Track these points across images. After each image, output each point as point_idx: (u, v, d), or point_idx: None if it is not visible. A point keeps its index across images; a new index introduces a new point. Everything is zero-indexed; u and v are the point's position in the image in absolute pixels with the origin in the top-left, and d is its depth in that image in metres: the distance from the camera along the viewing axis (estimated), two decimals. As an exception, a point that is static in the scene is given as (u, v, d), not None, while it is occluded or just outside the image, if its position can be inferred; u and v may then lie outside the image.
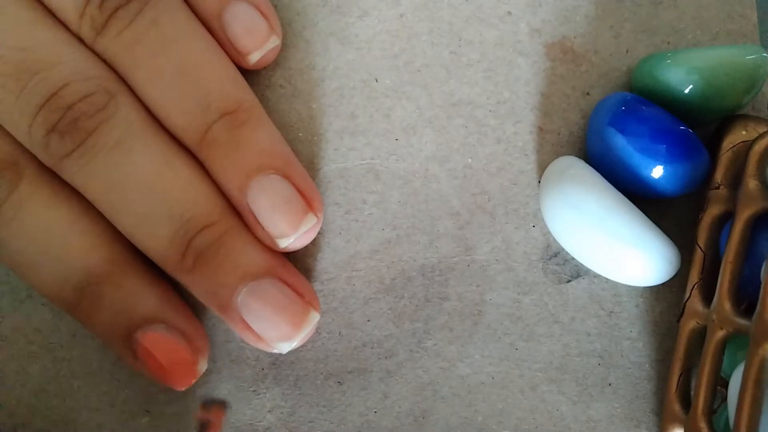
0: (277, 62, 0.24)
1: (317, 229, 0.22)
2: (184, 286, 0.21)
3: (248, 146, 0.21)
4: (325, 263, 0.23)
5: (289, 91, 0.24)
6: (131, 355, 0.21)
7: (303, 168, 0.22)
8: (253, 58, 0.22)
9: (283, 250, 0.22)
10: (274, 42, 0.22)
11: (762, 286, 0.18)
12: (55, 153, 0.20)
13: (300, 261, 0.23)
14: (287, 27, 0.24)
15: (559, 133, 0.24)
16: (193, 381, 0.21)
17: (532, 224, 0.23)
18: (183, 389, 0.21)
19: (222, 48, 0.22)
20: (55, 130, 0.20)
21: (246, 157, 0.21)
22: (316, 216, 0.21)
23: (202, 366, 0.22)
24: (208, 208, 0.21)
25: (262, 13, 0.22)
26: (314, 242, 0.23)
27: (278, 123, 0.23)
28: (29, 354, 0.23)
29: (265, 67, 0.23)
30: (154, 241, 0.20)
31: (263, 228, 0.21)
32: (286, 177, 0.21)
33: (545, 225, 0.23)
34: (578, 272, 0.23)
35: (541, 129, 0.24)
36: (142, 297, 0.21)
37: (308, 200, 0.21)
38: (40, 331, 0.23)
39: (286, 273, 0.21)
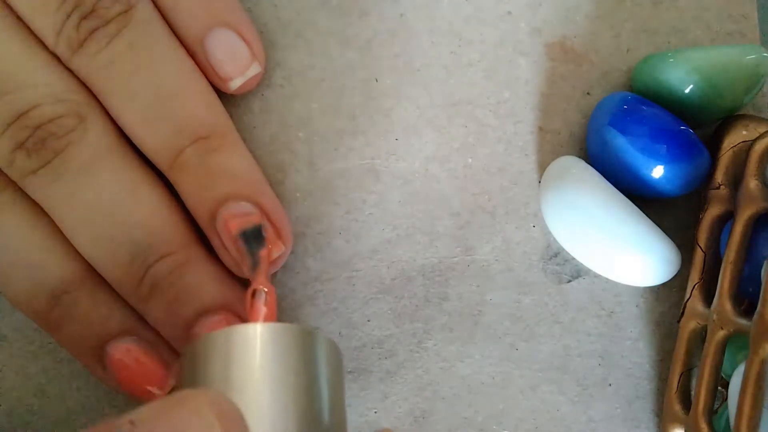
0: (277, 62, 0.24)
1: (285, 259, 0.22)
2: (140, 313, 0.21)
3: (219, 173, 0.21)
4: (325, 263, 0.23)
5: (289, 90, 0.23)
6: (101, 367, 0.21)
7: (274, 195, 0.22)
8: (234, 84, 0.22)
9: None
10: (256, 69, 0.22)
11: (762, 286, 0.18)
12: (20, 169, 0.20)
13: (300, 261, 0.23)
14: (287, 27, 0.24)
15: (559, 133, 0.24)
16: (164, 394, 0.21)
17: (532, 224, 0.23)
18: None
19: (203, 73, 0.22)
20: (22, 148, 0.20)
21: (216, 183, 0.21)
22: (284, 246, 0.21)
23: (172, 380, 0.22)
24: (169, 236, 0.21)
25: (245, 40, 0.22)
26: (314, 242, 0.23)
27: (278, 123, 0.23)
28: (29, 354, 0.23)
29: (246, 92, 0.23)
30: (112, 265, 0.20)
31: (230, 255, 0.21)
32: (257, 205, 0.21)
33: (545, 225, 0.23)
34: (578, 272, 0.23)
35: (541, 129, 0.24)
36: (115, 309, 0.21)
37: (277, 230, 0.21)
38: (40, 331, 0.23)
39: (243, 309, 0.21)
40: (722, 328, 0.20)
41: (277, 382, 0.16)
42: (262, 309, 0.19)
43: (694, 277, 0.22)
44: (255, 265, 0.19)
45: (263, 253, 0.20)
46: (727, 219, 0.22)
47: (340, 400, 0.18)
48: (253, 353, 0.17)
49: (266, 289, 0.19)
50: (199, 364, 0.17)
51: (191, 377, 0.17)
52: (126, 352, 0.21)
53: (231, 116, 0.23)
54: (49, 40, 0.20)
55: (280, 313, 0.23)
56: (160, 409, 0.13)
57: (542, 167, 0.23)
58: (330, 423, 0.17)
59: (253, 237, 0.20)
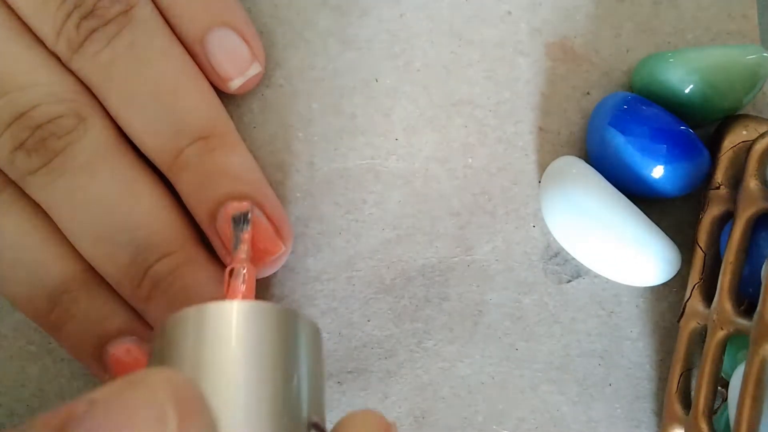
0: (277, 62, 0.24)
1: (285, 258, 0.22)
2: (140, 313, 0.21)
3: (219, 173, 0.21)
4: (325, 263, 0.23)
5: (289, 90, 0.23)
6: (101, 367, 0.21)
7: (274, 195, 0.22)
8: (235, 84, 0.22)
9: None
10: (256, 69, 0.22)
11: (762, 286, 0.18)
12: (20, 169, 0.20)
13: (300, 261, 0.23)
14: (287, 27, 0.24)
15: (559, 133, 0.24)
16: None
17: (532, 224, 0.23)
18: None
19: (203, 72, 0.22)
20: (23, 148, 0.20)
21: (216, 183, 0.21)
22: (284, 245, 0.21)
23: None
24: (169, 236, 0.21)
25: (245, 40, 0.22)
26: (314, 242, 0.23)
27: (278, 123, 0.23)
28: (29, 354, 0.23)
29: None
30: (112, 265, 0.21)
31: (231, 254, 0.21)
32: (257, 205, 0.21)
33: (545, 225, 0.23)
34: (578, 272, 0.23)
35: (541, 129, 0.24)
36: (115, 309, 0.21)
37: (277, 229, 0.21)
38: (40, 331, 0.23)
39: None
40: (722, 328, 0.20)
41: (251, 363, 0.16)
42: (240, 288, 0.18)
43: (694, 277, 0.22)
44: (236, 245, 0.19)
45: (245, 235, 0.20)
46: (727, 219, 0.22)
47: (318, 384, 0.17)
48: (228, 332, 0.16)
49: (245, 268, 0.18)
50: (170, 343, 0.16)
51: (160, 356, 0.16)
52: (126, 352, 0.21)
53: (231, 116, 0.23)
54: (49, 40, 0.20)
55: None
56: (117, 390, 0.12)
57: (542, 167, 0.23)
58: (307, 407, 0.16)
59: (240, 221, 0.20)
